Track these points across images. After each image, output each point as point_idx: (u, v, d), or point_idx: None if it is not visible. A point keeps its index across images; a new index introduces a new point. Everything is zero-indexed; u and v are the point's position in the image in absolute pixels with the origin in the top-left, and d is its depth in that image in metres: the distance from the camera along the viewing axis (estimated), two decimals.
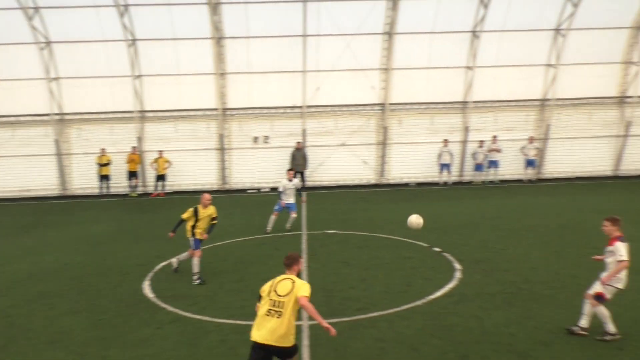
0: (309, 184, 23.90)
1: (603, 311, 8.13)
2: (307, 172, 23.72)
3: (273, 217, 15.51)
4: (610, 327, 8.11)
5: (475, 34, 22.90)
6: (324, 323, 6.24)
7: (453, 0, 22.26)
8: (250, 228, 16.26)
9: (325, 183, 24.21)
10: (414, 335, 8.46)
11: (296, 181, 16.04)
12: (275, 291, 6.45)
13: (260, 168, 23.86)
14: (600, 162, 24.54)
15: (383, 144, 23.89)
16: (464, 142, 24.02)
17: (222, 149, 23.77)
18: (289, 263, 6.82)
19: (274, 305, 6.34)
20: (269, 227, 15.49)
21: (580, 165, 24.42)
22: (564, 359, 7.57)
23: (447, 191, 22.45)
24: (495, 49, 23.31)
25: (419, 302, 9.83)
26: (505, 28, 22.84)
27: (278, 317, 6.27)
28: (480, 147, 23.57)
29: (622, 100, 24.21)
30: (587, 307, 8.26)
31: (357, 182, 24.19)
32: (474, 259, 12.40)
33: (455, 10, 22.47)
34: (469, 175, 24.36)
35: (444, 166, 23.71)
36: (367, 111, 23.99)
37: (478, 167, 23.84)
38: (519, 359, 7.61)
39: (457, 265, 11.92)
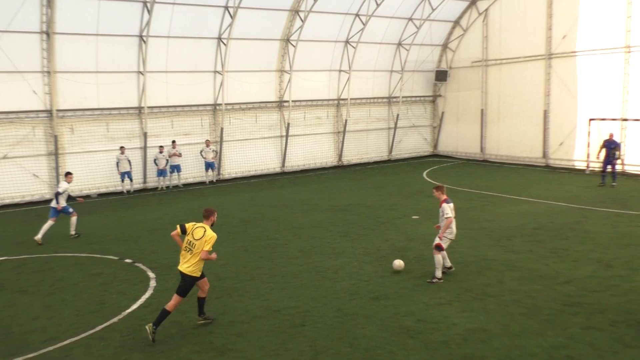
0: None
1: (439, 259, 10.66)
2: None
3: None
4: (438, 273, 10.68)
5: (142, 38, 22.74)
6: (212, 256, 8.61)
7: (115, 3, 21.55)
8: None
9: None
10: (113, 354, 8.08)
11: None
12: (192, 234, 8.59)
13: None
14: (269, 161, 27.44)
15: (55, 154, 21.74)
16: (144, 148, 23.73)
17: None
18: (206, 215, 8.93)
19: (188, 244, 8.58)
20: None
21: (254, 164, 26.83)
22: (258, 346, 8.29)
23: (132, 199, 21.87)
24: (164, 54, 23.61)
25: (115, 319, 9.41)
26: (171, 34, 23.32)
27: (190, 253, 8.57)
28: (161, 152, 23.65)
29: (280, 104, 27.48)
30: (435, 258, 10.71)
31: (28, 198, 21.42)
32: (167, 264, 12.46)
33: (119, 13, 21.78)
34: (153, 181, 24.20)
35: (125, 174, 22.95)
36: (31, 119, 21.42)
37: (161, 173, 23.87)
38: (219, 354, 8.02)
39: (151, 274, 11.81)
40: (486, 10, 29.04)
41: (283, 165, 27.79)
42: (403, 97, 31.32)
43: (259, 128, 27.04)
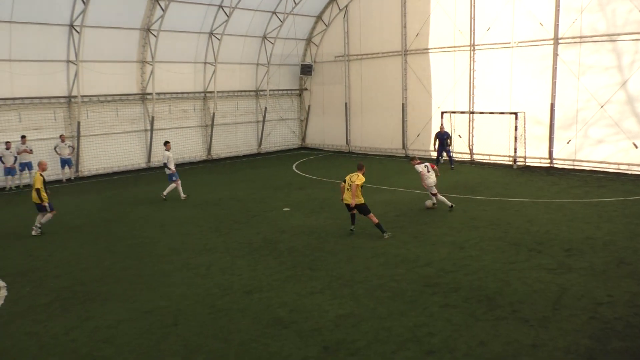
0: None
1: (442, 199, 15.72)
2: None
3: None
4: (448, 202, 15.81)
5: None
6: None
7: None
8: None
9: None
10: None
11: None
12: (350, 179, 13.14)
13: None
14: (134, 156, 26.13)
15: None
16: None
17: None
18: (359, 166, 13.57)
19: (349, 185, 13.08)
20: None
21: (117, 160, 25.39)
22: (128, 350, 7.92)
23: None
24: (7, 40, 21.35)
25: None
26: (14, 19, 21.06)
27: (349, 191, 13.14)
28: (8, 149, 21.43)
29: (143, 97, 26.26)
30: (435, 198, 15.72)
31: None
32: (20, 271, 11.41)
33: None
34: (0, 181, 21.90)
35: None
36: None
37: (9, 171, 21.65)
38: None
39: (1, 282, 10.73)
40: (346, 6, 30.11)
41: (149, 161, 26.63)
42: (270, 90, 31.50)
43: (120, 122, 25.60)
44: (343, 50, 30.70)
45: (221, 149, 29.86)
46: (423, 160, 16.83)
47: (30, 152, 21.93)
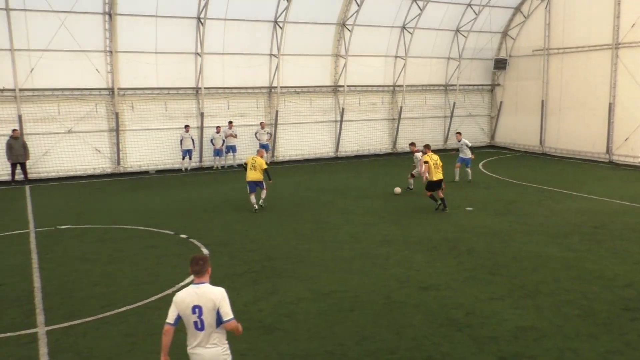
0: (32, 176, 21.18)
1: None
2: (29, 163, 20.95)
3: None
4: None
5: (200, 20, 23.10)
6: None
7: None
8: None
9: (53, 175, 21.77)
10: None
11: None
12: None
13: None
14: (324, 145, 27.50)
15: (116, 130, 22.55)
16: (201, 128, 24.25)
17: None
18: (426, 146, 15.32)
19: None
20: None
21: (308, 148, 26.97)
22: (305, 327, 8.40)
23: (189, 177, 22.46)
24: (222, 36, 23.93)
25: (168, 291, 9.73)
26: (228, 17, 23.58)
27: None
28: (218, 132, 24.11)
29: (335, 89, 27.42)
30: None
31: (90, 172, 22.36)
32: (220, 242, 12.76)
33: None
34: (209, 160, 24.74)
35: (187, 152, 23.60)
36: (94, 96, 22.24)
37: (217, 153, 24.38)
38: (267, 333, 8.17)
39: (205, 250, 12.12)
40: None
41: (337, 150, 27.79)
42: (460, 85, 30.62)
43: (313, 112, 27.11)
44: (543, 43, 28.49)
45: (406, 142, 29.81)
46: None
47: (235, 136, 24.34)
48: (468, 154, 20.29)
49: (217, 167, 24.66)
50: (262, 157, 16.32)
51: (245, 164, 16.01)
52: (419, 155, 16.35)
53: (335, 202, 17.20)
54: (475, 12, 28.38)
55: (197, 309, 5.34)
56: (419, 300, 9.30)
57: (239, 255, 11.79)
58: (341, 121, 27.40)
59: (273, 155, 26.14)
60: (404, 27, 27.62)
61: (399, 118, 29.02)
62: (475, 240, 12.80)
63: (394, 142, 29.39)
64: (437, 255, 11.75)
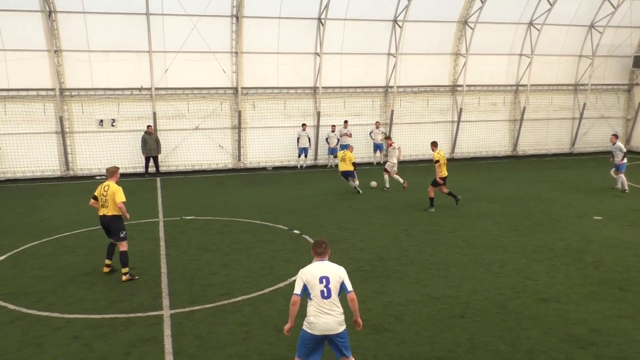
0: (163, 169, 22.98)
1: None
2: (160, 157, 22.76)
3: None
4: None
5: (320, 21, 23.56)
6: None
7: None
8: None
9: (181, 168, 23.47)
10: (277, 316, 8.63)
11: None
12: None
13: (108, 153, 22.34)
14: (440, 146, 26.80)
15: (238, 128, 23.73)
16: (317, 127, 24.77)
17: (62, 133, 21.82)
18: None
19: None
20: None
21: (422, 149, 26.50)
22: (414, 330, 8.26)
23: (303, 174, 23.05)
24: (341, 36, 24.22)
25: (281, 284, 10.04)
26: (348, 17, 23.82)
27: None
28: (333, 131, 24.49)
29: (454, 88, 26.67)
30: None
31: (213, 166, 23.80)
32: (331, 239, 12.92)
33: None
34: (323, 159, 25.21)
35: (303, 150, 24.27)
36: (220, 95, 23.60)
37: (332, 151, 24.77)
38: (375, 332, 8.14)
39: None
40: None
41: (452, 152, 27.05)
42: (592, 84, 28.41)
43: (429, 112, 26.61)
44: None
45: (528, 145, 28.39)
46: None
47: (350, 135, 24.55)
48: (620, 159, 18.70)
49: (331, 165, 25.04)
50: (351, 152, 18.48)
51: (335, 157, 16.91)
52: (395, 146, 19.09)
53: (448, 205, 16.74)
54: (613, 6, 26.17)
55: (324, 279, 6.14)
56: (537, 312, 8.76)
57: (349, 253, 11.88)
58: (458, 121, 26.62)
59: (386, 155, 25.96)
60: (531, 24, 26.18)
61: (521, 119, 27.57)
62: (604, 252, 11.81)
63: (515, 145, 27.99)
64: (558, 266, 11.00)
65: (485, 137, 27.39)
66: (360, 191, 18.39)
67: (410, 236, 13.34)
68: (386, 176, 19.14)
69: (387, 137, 20.33)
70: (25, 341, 7.87)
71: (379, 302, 9.26)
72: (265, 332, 8.14)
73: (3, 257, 11.86)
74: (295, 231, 13.70)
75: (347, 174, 18.28)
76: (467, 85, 26.34)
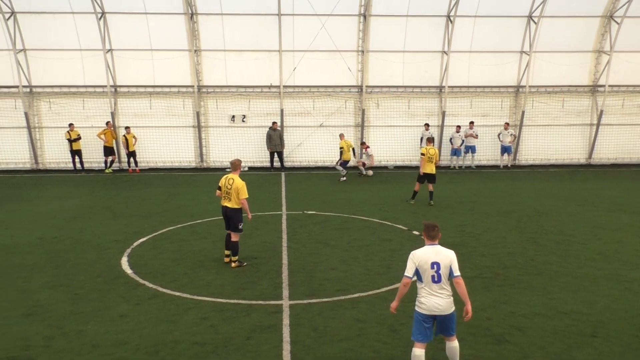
0: (287, 164, 23.85)
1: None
2: (284, 153, 23.65)
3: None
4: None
5: (449, 18, 22.94)
6: None
7: None
8: None
9: (304, 164, 24.20)
10: (393, 316, 8.54)
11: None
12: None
13: (237, 147, 23.66)
14: (574, 150, 25.06)
15: (361, 126, 23.91)
16: (441, 127, 24.22)
17: (198, 127, 23.47)
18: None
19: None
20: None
21: (555, 153, 24.91)
22: (538, 345, 7.78)
23: None
24: (470, 34, 23.42)
25: (397, 284, 9.93)
26: (478, 13, 22.95)
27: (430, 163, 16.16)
28: (457, 132, 23.80)
29: (594, 89, 24.67)
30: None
31: (329, 163, 24.21)
32: (452, 242, 12.56)
33: None
34: (446, 160, 24.60)
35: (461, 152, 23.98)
36: (344, 93, 23.94)
37: (455, 152, 24.09)
38: (495, 343, 7.79)
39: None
40: None
41: (590, 157, 25.08)
42: None
43: (565, 114, 24.88)
44: None
45: None
46: None
47: (476, 137, 23.70)
48: None
49: (454, 166, 24.35)
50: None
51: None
52: (369, 151, 21.97)
53: (583, 214, 15.55)
54: None
55: (435, 265, 6.53)
56: None
57: (470, 259, 11.47)
58: (598, 124, 24.58)
59: (515, 159, 24.76)
60: None
61: None
62: None
63: None
64: None
65: (628, 142, 25.03)
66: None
67: (538, 245, 12.58)
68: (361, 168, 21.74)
69: (362, 143, 22.90)
70: (161, 318, 8.57)
71: (500, 311, 8.84)
72: (380, 331, 8.13)
73: (145, 238, 13.02)
74: (415, 232, 13.51)
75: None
76: (609, 86, 24.24)
